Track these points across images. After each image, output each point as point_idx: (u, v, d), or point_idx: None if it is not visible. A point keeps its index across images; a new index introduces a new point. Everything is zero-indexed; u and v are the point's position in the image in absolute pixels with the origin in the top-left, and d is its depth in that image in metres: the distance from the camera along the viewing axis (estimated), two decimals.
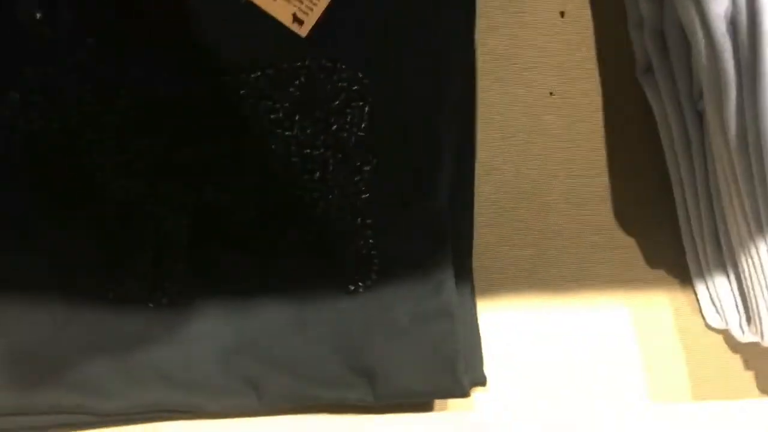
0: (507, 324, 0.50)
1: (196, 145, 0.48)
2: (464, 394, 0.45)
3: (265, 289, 0.46)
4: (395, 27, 0.48)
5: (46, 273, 0.46)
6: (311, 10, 0.50)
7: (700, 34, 0.46)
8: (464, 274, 0.48)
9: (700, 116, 0.49)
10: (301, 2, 0.49)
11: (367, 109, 0.48)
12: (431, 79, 0.48)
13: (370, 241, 0.47)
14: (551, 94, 0.53)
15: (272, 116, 0.48)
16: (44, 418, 0.45)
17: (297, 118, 0.48)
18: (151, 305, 0.46)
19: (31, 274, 0.46)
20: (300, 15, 0.50)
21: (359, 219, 0.47)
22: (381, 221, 0.47)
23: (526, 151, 0.52)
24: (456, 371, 0.45)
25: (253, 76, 0.48)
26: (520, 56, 0.53)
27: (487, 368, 0.48)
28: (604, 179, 0.52)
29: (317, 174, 0.48)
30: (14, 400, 0.45)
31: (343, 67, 0.48)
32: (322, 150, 0.48)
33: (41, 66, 0.47)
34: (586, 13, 0.54)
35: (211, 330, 0.46)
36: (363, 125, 0.48)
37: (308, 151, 0.48)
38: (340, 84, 0.48)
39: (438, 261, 0.46)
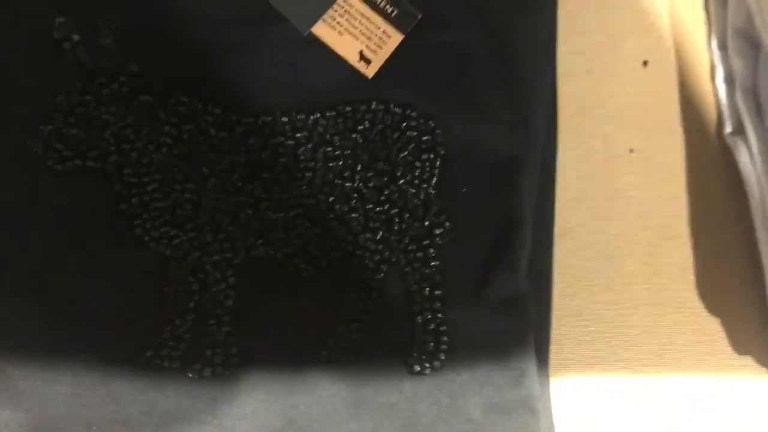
0: (580, 410, 0.45)
1: (246, 192, 0.42)
2: None
3: (319, 362, 0.41)
4: (474, 69, 0.43)
5: (72, 336, 0.40)
6: (380, 48, 0.44)
7: None
8: (543, 359, 0.42)
9: None
10: (370, 39, 0.44)
11: (438, 162, 0.43)
12: (515, 129, 0.43)
13: (439, 315, 0.41)
14: (631, 151, 0.49)
15: (331, 164, 0.43)
16: None
17: (359, 168, 0.43)
18: (190, 376, 0.41)
19: (54, 337, 0.40)
20: (367, 53, 0.44)
21: (427, 289, 0.42)
22: (453, 294, 0.41)
23: (602, 215, 0.47)
24: None
25: (312, 118, 0.43)
26: (599, 107, 0.49)
27: None
28: (686, 249, 0.47)
29: (380, 234, 0.42)
30: None
31: (414, 113, 0.43)
32: (386, 206, 0.43)
33: (78, 95, 0.42)
34: (671, 64, 0.50)
35: (257, 409, 0.40)
36: (434, 181, 0.43)
37: (371, 206, 0.43)
38: (409, 133, 0.43)
39: (520, 346, 0.40)
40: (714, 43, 0.50)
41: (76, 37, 0.42)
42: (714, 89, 0.50)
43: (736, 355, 0.46)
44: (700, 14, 0.51)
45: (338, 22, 0.44)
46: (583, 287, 0.46)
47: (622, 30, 0.50)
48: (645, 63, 0.50)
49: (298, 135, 0.43)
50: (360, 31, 0.44)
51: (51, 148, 0.41)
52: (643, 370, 0.45)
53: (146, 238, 0.41)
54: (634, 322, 0.46)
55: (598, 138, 0.48)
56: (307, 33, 0.44)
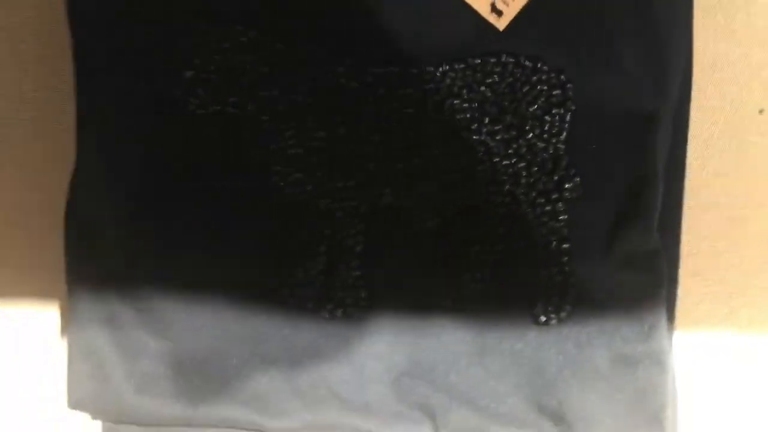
0: (700, 368, 0.45)
1: (376, 143, 0.43)
2: None
3: (444, 309, 0.42)
4: (607, 22, 0.43)
5: (214, 274, 0.42)
6: (512, 0, 0.44)
7: None
8: (670, 316, 0.43)
9: None
10: None
11: (569, 117, 0.43)
12: (649, 85, 0.43)
13: (566, 268, 0.42)
14: (761, 111, 0.48)
15: (459, 116, 0.44)
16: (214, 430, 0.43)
17: (487, 121, 0.43)
18: (326, 316, 0.43)
19: (196, 275, 0.42)
20: (500, 5, 0.44)
21: (554, 242, 0.42)
22: (582, 248, 0.42)
23: (728, 175, 0.47)
24: (662, 428, 0.41)
25: (440, 70, 0.44)
26: (729, 67, 0.48)
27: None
28: None
29: (506, 186, 0.43)
30: (185, 412, 0.42)
31: (545, 67, 0.43)
32: (514, 160, 0.43)
33: (216, 44, 0.43)
34: None
35: (386, 349, 0.42)
36: (563, 136, 0.43)
37: (498, 159, 0.43)
38: (539, 87, 0.43)
39: (650, 301, 0.41)
40: None
41: None
42: None
43: None
44: None
45: None
46: (706, 246, 0.46)
47: None
48: None
49: (427, 87, 0.44)
50: None
51: (192, 93, 0.43)
52: (763, 331, 0.45)
53: (281, 184, 0.43)
54: (756, 283, 0.46)
55: (726, 98, 0.48)
56: None
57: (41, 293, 0.47)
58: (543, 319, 0.42)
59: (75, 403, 0.43)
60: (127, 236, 0.42)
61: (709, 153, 0.47)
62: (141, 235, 0.42)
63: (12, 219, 0.48)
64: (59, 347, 0.47)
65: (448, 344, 0.42)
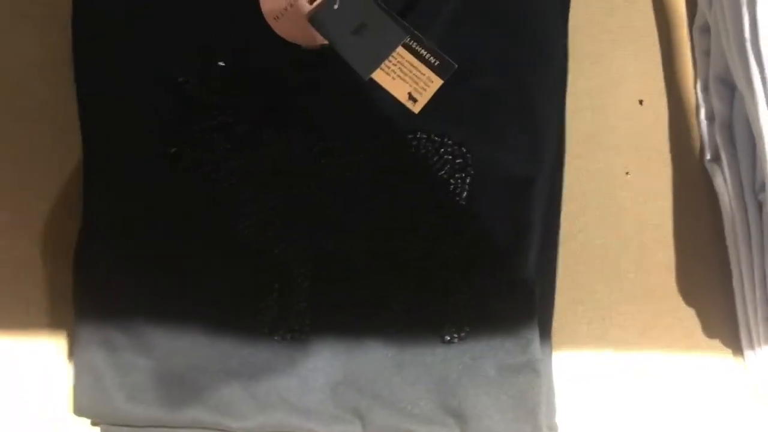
0: (577, 378, 0.57)
1: (320, 203, 0.55)
2: None
3: (371, 332, 0.54)
4: (496, 107, 0.55)
5: (190, 307, 0.54)
6: (425, 90, 0.57)
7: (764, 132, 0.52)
8: (546, 332, 0.54)
9: (761, 208, 0.55)
10: (417, 83, 0.57)
11: (468, 180, 0.55)
12: (529, 154, 0.55)
13: (466, 298, 0.54)
14: (627, 173, 0.60)
15: (386, 178, 0.55)
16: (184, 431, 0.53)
17: (405, 183, 0.55)
18: (276, 338, 0.54)
19: (176, 308, 0.54)
20: (415, 94, 0.57)
21: (458, 277, 0.54)
22: (477, 281, 0.54)
23: (601, 224, 0.59)
24: (537, 421, 0.52)
25: (371, 144, 0.56)
26: (602, 137, 0.60)
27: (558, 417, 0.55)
28: (670, 252, 0.59)
29: (421, 232, 0.55)
30: (162, 414, 0.53)
31: (449, 141, 0.55)
32: (427, 212, 0.55)
33: (192, 124, 0.55)
34: (663, 103, 0.61)
35: (325, 364, 0.53)
36: (464, 194, 0.55)
37: (416, 211, 0.55)
38: (445, 156, 0.55)
39: (526, 321, 0.53)
40: (699, 86, 0.61)
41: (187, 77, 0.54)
42: (698, 124, 0.61)
43: (706, 338, 0.57)
44: (688, 62, 0.62)
45: (392, 70, 0.57)
46: (584, 281, 0.58)
47: (622, 74, 0.61)
48: (641, 102, 0.61)
49: (360, 156, 0.55)
50: (409, 77, 0.57)
51: (176, 161, 0.54)
52: (630, 348, 0.57)
53: (245, 233, 0.54)
54: (624, 309, 0.58)
55: (600, 162, 0.60)
56: (368, 78, 0.56)
57: (51, 325, 0.58)
58: (448, 338, 0.53)
59: (79, 410, 0.54)
60: (122, 278, 0.54)
61: (585, 205, 0.59)
62: (133, 276, 0.54)
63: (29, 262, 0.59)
64: (64, 366, 0.58)
65: (375, 360, 0.53)
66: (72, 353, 0.55)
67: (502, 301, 0.53)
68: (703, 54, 0.61)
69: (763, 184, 0.55)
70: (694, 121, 0.61)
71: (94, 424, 0.55)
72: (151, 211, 0.54)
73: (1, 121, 0.58)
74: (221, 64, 0.55)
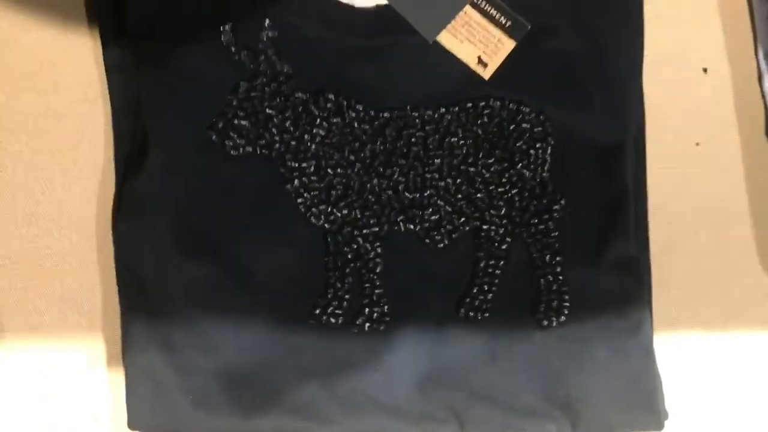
0: (670, 362, 0.52)
1: (387, 176, 0.49)
2: (661, 426, 0.48)
3: (457, 319, 0.48)
4: (577, 70, 0.51)
5: (255, 298, 0.47)
6: (495, 53, 0.52)
7: None
8: (649, 313, 0.50)
9: None
10: (486, 45, 0.52)
11: (549, 150, 0.50)
12: (614, 117, 0.51)
13: (560, 277, 0.49)
14: (697, 144, 0.56)
15: (456, 152, 0.50)
16: None
17: (481, 155, 0.50)
18: (355, 330, 0.47)
19: (238, 299, 0.47)
20: (484, 58, 0.52)
21: (548, 256, 0.49)
22: (573, 258, 0.49)
23: (675, 199, 0.55)
24: (656, 405, 0.47)
25: (438, 113, 0.50)
26: (667, 107, 0.57)
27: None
28: (747, 227, 0.55)
29: (503, 210, 0.50)
30: (238, 423, 0.46)
31: (526, 109, 0.51)
32: (507, 187, 0.50)
33: (244, 93, 0.48)
34: (727, 70, 0.58)
35: (409, 357, 0.47)
36: (547, 166, 0.50)
37: (493, 188, 0.50)
38: (523, 125, 0.50)
39: (636, 300, 0.48)
40: (761, 54, 0.59)
41: (240, 44, 0.49)
42: (762, 92, 0.58)
43: None
44: (748, 29, 0.59)
45: (459, 32, 0.51)
46: (665, 260, 0.54)
47: (683, 42, 0.58)
48: (705, 70, 0.58)
49: (427, 128, 0.50)
50: (478, 39, 0.52)
51: (226, 136, 0.48)
52: (715, 328, 0.53)
53: (308, 214, 0.48)
54: (709, 288, 0.54)
55: (668, 133, 0.56)
56: (432, 41, 0.51)
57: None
58: (545, 322, 0.48)
59: (135, 422, 0.46)
60: (174, 269, 0.46)
61: (656, 180, 0.55)
62: (187, 267, 0.46)
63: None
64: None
65: (464, 350, 0.48)
66: (124, 358, 0.47)
67: (604, 281, 0.49)
68: (764, 20, 0.59)
69: None
70: (758, 88, 0.58)
71: None
72: (204, 194, 0.47)
73: (42, 114, 0.51)
74: (270, 33, 0.49)
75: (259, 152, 0.48)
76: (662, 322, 0.53)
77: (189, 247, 0.47)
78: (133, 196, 0.47)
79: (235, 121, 0.48)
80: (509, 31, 0.52)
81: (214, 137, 0.48)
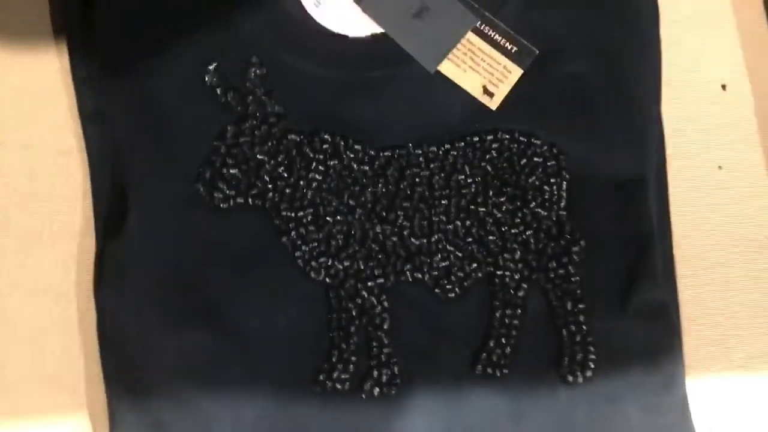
0: (704, 407, 0.48)
1: (390, 221, 0.45)
2: None
3: (474, 377, 0.44)
4: (591, 98, 0.47)
5: (252, 365, 0.43)
6: (502, 81, 0.48)
7: None
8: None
9: None
10: (492, 74, 0.48)
11: (565, 185, 0.46)
12: (634, 147, 0.47)
13: (584, 327, 0.44)
14: (720, 168, 0.53)
15: (464, 191, 0.46)
16: None
17: (491, 194, 0.46)
18: (363, 396, 0.43)
19: (235, 368, 0.43)
20: (490, 87, 0.48)
21: (570, 303, 0.45)
22: (596, 306, 0.45)
23: (700, 228, 0.51)
24: None
25: (443, 149, 0.46)
26: (686, 127, 0.53)
27: None
28: None
29: (518, 254, 0.46)
30: None
31: (537, 141, 0.47)
32: (521, 228, 0.46)
33: (232, 138, 0.44)
34: (747, 87, 0.54)
35: (424, 422, 0.43)
36: (563, 203, 0.46)
37: (506, 229, 0.46)
38: (534, 159, 0.47)
39: (668, 350, 0.44)
40: None
41: (226, 83, 0.45)
42: None
43: None
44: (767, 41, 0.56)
45: (462, 60, 0.48)
46: (693, 295, 0.50)
47: (699, 58, 0.54)
48: (724, 87, 0.54)
49: (432, 165, 0.46)
50: (482, 67, 0.48)
51: (214, 188, 0.44)
52: (755, 369, 0.49)
53: (307, 269, 0.44)
54: (743, 323, 0.50)
55: (689, 158, 0.53)
56: (434, 71, 0.47)
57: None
58: (570, 378, 0.44)
59: None
60: (162, 339, 0.42)
61: (678, 209, 0.51)
62: (176, 336, 0.42)
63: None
64: None
65: (484, 411, 0.43)
66: None
67: (632, 330, 0.44)
68: None
69: None
70: None
71: None
72: (192, 253, 0.43)
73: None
74: (257, 71, 0.45)
75: (251, 203, 0.44)
76: (692, 363, 0.48)
77: (177, 314, 0.43)
78: (114, 260, 0.43)
79: (224, 170, 0.44)
80: (516, 58, 0.48)
81: (201, 189, 0.44)
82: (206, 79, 0.45)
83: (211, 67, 0.45)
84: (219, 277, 0.43)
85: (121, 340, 0.43)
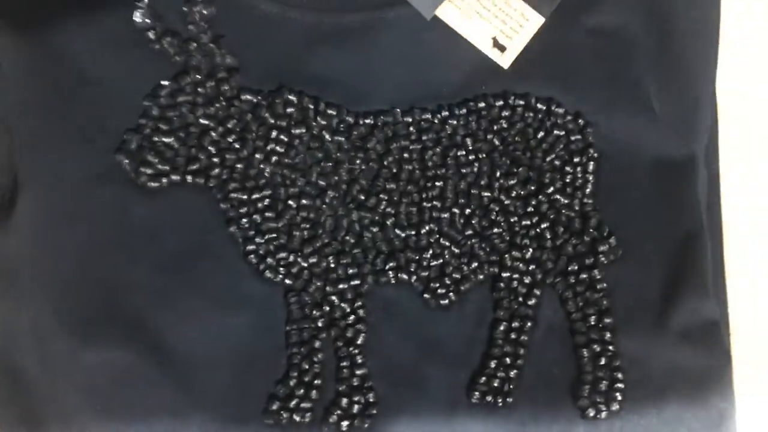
0: None
1: (370, 207, 0.36)
2: None
3: (470, 407, 0.35)
4: (633, 58, 0.37)
5: (185, 390, 0.34)
6: (517, 32, 0.38)
7: None
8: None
9: None
10: (505, 22, 0.38)
11: (592, 166, 0.37)
12: (682, 122, 0.37)
13: (610, 348, 0.36)
14: None
15: (464, 171, 0.37)
16: None
17: (498, 175, 0.37)
18: (326, 430, 0.34)
19: (164, 392, 0.34)
20: (502, 39, 0.38)
21: (594, 317, 0.36)
22: (627, 322, 0.36)
23: (752, 229, 0.42)
24: None
25: (439, 117, 0.37)
26: (741, 117, 0.43)
27: None
28: None
29: (530, 252, 0.36)
30: None
31: (560, 110, 0.37)
32: (535, 220, 0.37)
33: (168, 97, 0.35)
34: None
35: None
36: (589, 189, 0.37)
37: (515, 220, 0.37)
38: (555, 132, 0.37)
39: (717, 381, 0.35)
40: None
41: (161, 25, 0.35)
42: None
43: None
44: None
45: (467, 3, 0.38)
46: (744, 313, 0.41)
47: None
48: None
49: (424, 137, 0.37)
50: (493, 13, 0.38)
51: (142, 161, 0.34)
52: None
53: (261, 267, 0.35)
54: None
55: (740, 150, 0.43)
56: (431, 17, 0.37)
57: None
58: (591, 412, 0.35)
59: None
60: (67, 358, 0.33)
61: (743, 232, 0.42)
62: (86, 354, 0.33)
63: None
64: None
65: None
66: None
67: (672, 354, 0.35)
68: None
69: None
70: None
71: None
72: (109, 246, 0.34)
73: None
74: (203, 10, 0.35)
75: (189, 181, 0.35)
76: (743, 390, 0.40)
77: (87, 326, 0.33)
78: (3, 259, 0.34)
79: (155, 138, 0.35)
80: (536, 2, 0.38)
81: (123, 162, 0.35)
82: (134, 19, 0.35)
83: (141, 3, 0.35)
84: (144, 277, 0.34)
85: (13, 362, 0.34)
